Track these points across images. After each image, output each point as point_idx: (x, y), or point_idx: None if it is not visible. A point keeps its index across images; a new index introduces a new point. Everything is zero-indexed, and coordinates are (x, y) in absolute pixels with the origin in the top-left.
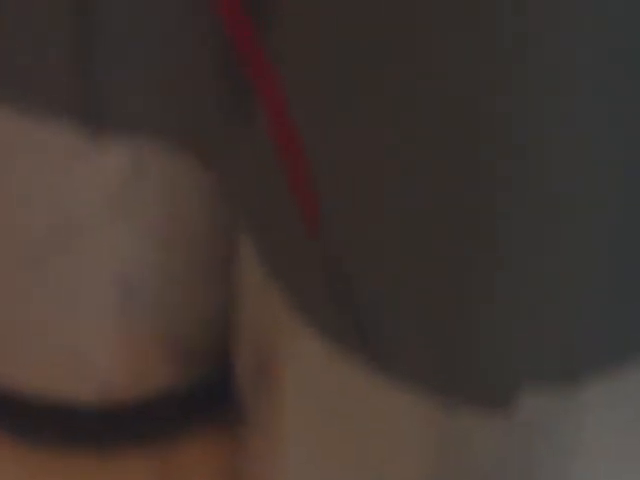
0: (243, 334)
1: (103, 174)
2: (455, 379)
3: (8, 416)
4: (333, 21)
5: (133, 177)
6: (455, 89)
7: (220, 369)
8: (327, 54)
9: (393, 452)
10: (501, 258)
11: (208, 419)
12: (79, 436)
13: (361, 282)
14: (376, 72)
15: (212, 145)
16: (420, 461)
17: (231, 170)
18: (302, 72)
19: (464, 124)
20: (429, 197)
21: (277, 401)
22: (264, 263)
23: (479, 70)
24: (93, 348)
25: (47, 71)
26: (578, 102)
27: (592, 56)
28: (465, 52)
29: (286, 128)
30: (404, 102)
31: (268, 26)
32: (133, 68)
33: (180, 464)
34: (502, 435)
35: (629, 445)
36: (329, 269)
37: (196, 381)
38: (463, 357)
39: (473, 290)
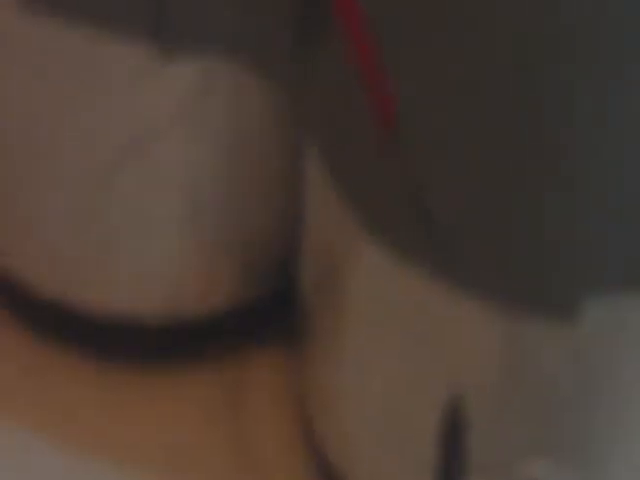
0: (308, 246)
1: (173, 88)
2: (521, 288)
3: (79, 332)
4: None
5: (202, 92)
6: (526, 27)
7: (286, 281)
8: None
9: (457, 360)
10: (566, 173)
11: (274, 331)
12: (148, 349)
13: (434, 196)
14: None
15: (282, 65)
16: (484, 369)
17: (302, 90)
18: None
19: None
20: (503, 119)
21: (340, 312)
22: (334, 179)
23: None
24: (162, 257)
25: None
26: None
27: None
28: None
29: (366, 46)
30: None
31: None
32: None
33: (247, 376)
34: (566, 345)
35: None
36: (401, 182)
37: (263, 293)
38: (529, 266)
39: (539, 203)
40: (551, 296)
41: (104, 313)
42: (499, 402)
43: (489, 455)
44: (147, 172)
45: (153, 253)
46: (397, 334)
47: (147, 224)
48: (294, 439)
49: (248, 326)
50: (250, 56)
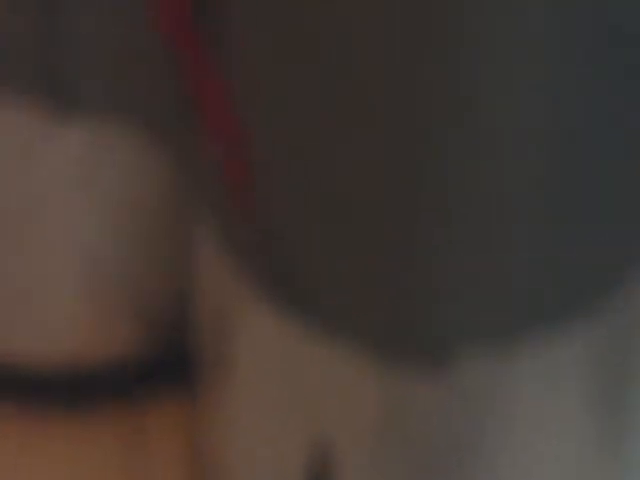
0: (199, 300)
1: (66, 151)
2: (395, 341)
3: None
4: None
5: (95, 154)
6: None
7: (184, 337)
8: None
9: (339, 411)
10: (442, 225)
11: (174, 386)
12: (48, 401)
13: (298, 259)
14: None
15: (171, 131)
16: (365, 420)
17: (184, 153)
18: (243, 75)
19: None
20: (360, 186)
21: (227, 367)
22: (215, 238)
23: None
24: (60, 316)
25: (12, 47)
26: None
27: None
28: None
29: (225, 123)
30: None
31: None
32: (90, 53)
33: (147, 429)
34: (443, 396)
35: (558, 411)
36: (266, 248)
37: (162, 349)
38: (401, 316)
39: (410, 257)
40: (423, 345)
41: (6, 362)
42: (371, 454)
43: None
44: (41, 234)
45: (50, 308)
46: (275, 386)
47: (46, 282)
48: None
49: (147, 379)
50: (141, 121)
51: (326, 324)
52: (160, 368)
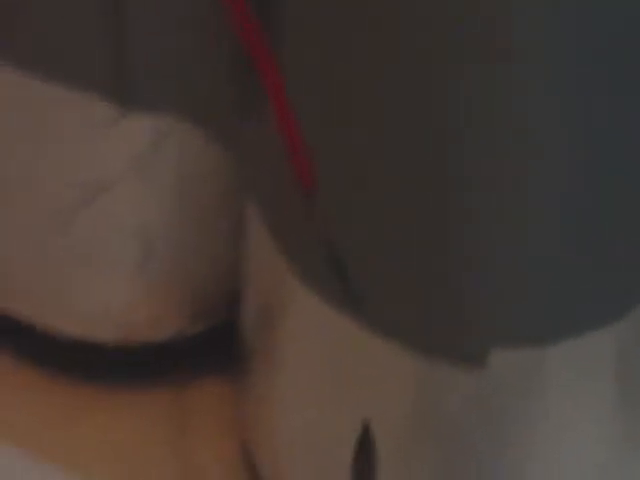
0: (249, 285)
1: (128, 142)
2: (433, 335)
3: (39, 354)
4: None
5: (154, 145)
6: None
7: (230, 317)
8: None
9: (376, 396)
10: (476, 228)
11: (220, 361)
12: (101, 372)
13: (351, 251)
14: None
15: (228, 127)
16: (399, 407)
17: (242, 146)
18: (302, 72)
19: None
20: (409, 173)
21: (273, 348)
22: (267, 225)
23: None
24: (114, 297)
25: (79, 45)
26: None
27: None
28: None
29: (288, 119)
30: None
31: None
32: (156, 52)
33: (191, 405)
34: (471, 391)
35: (588, 408)
36: (323, 237)
37: (209, 328)
38: (441, 317)
39: (451, 256)
40: (461, 344)
41: (64, 335)
42: (408, 441)
43: None
44: (99, 219)
45: (105, 289)
46: (320, 370)
47: (100, 266)
48: (234, 460)
49: (195, 355)
50: (200, 117)
51: (370, 316)
52: (206, 348)
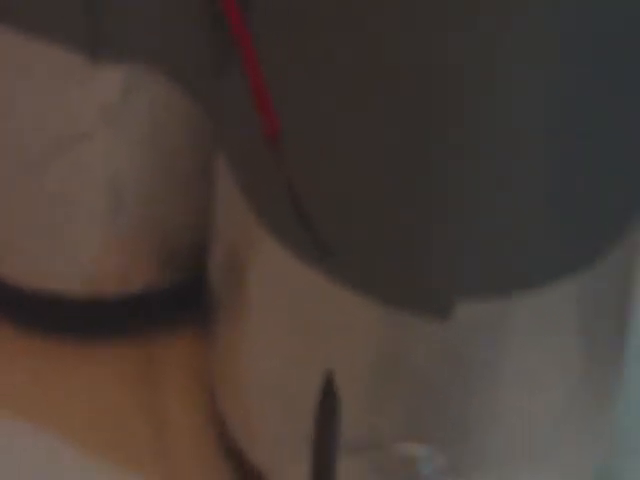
0: (217, 237)
1: (98, 92)
2: (399, 287)
3: (8, 305)
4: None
5: (125, 96)
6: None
7: (200, 270)
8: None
9: (341, 345)
10: (444, 180)
11: (189, 313)
12: (71, 324)
13: (318, 199)
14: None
15: (199, 78)
16: (364, 357)
17: (213, 102)
18: (270, 25)
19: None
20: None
21: (240, 296)
22: (236, 177)
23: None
24: (85, 247)
25: (53, 3)
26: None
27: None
28: None
29: (256, 75)
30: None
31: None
32: (126, 3)
33: (161, 358)
34: (437, 341)
35: (551, 355)
36: (289, 186)
37: (177, 281)
38: (407, 268)
39: (418, 208)
40: (427, 296)
41: (32, 288)
42: (373, 388)
43: (363, 437)
44: (72, 168)
45: (77, 239)
46: (287, 320)
47: (71, 214)
48: (204, 411)
49: (165, 308)
50: (171, 68)
51: (337, 268)
52: (175, 301)
